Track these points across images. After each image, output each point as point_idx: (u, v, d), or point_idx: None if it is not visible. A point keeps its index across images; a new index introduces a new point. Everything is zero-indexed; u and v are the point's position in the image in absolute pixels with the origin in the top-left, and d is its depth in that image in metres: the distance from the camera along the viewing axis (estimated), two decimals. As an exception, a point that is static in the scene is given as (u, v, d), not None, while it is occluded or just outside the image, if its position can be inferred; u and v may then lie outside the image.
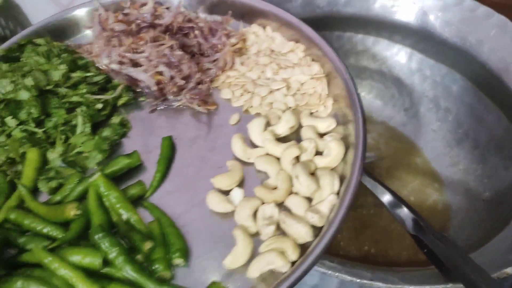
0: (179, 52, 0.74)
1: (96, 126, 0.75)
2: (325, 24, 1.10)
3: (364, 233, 1.00)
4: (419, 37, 1.08)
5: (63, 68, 0.73)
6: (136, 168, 0.70)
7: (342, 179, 0.64)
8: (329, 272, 0.72)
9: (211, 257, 0.61)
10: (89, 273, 0.56)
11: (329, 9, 1.09)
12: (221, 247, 0.61)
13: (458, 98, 1.07)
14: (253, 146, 0.71)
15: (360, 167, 0.62)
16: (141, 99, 0.79)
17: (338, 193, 0.62)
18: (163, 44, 0.74)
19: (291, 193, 0.64)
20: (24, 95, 0.69)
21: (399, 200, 0.78)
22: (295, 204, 0.62)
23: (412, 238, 0.75)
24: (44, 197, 0.68)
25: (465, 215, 1.02)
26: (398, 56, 1.15)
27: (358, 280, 0.72)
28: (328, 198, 0.60)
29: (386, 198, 0.77)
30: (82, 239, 0.62)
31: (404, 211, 0.76)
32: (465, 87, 1.05)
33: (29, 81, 0.69)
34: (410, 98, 1.16)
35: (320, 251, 0.56)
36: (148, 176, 0.69)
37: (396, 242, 0.99)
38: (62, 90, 0.73)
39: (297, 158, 0.67)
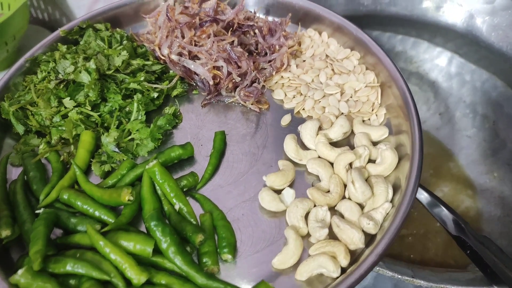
0: (239, 49, 0.74)
1: (148, 115, 0.75)
2: (366, 23, 1.09)
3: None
4: (463, 41, 1.06)
5: (124, 54, 0.74)
6: (187, 160, 0.70)
7: (394, 188, 0.64)
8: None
9: (259, 255, 0.61)
10: (138, 260, 0.56)
11: (373, 7, 1.08)
12: (270, 246, 0.61)
13: (498, 106, 1.04)
14: (305, 148, 0.71)
15: (417, 178, 0.61)
16: (194, 92, 0.80)
17: (391, 202, 0.62)
18: (224, 40, 0.74)
19: (343, 197, 0.64)
20: (85, 77, 0.70)
21: (437, 199, 0.76)
22: (348, 209, 0.61)
23: (453, 239, 0.74)
24: (94, 179, 0.68)
25: (498, 225, 0.99)
26: (438, 59, 1.13)
27: (399, 276, 0.71)
28: (383, 205, 0.60)
29: (424, 197, 0.76)
30: (130, 224, 0.62)
31: (444, 212, 0.75)
32: (506, 95, 1.02)
33: (92, 64, 0.70)
34: (446, 102, 1.14)
35: (374, 259, 0.55)
36: (198, 168, 0.70)
37: (430, 243, 0.98)
38: (121, 76, 0.74)
39: (350, 164, 0.66)
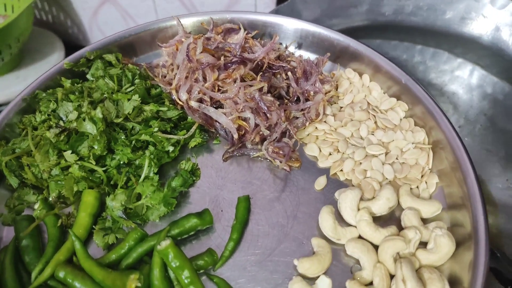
0: (269, 97, 0.64)
1: (161, 167, 0.66)
2: (385, 33, 1.06)
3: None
4: (486, 53, 1.02)
5: (136, 99, 0.63)
6: (204, 229, 0.60)
7: (450, 283, 0.54)
8: None
9: None
10: None
11: (394, 18, 1.05)
12: None
13: (520, 120, 0.96)
14: (343, 221, 0.61)
15: (484, 275, 0.51)
16: (215, 142, 0.70)
17: (448, 306, 0.52)
18: (252, 85, 0.64)
19: (389, 294, 0.54)
20: (89, 127, 0.60)
21: None
22: (397, 313, 0.51)
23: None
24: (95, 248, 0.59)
25: (521, 243, 0.91)
26: (459, 71, 1.09)
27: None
28: (441, 315, 0.50)
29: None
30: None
31: None
32: (530, 110, 0.94)
33: (98, 113, 0.60)
34: (466, 115, 1.08)
35: None
36: (216, 240, 0.60)
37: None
38: (131, 125, 0.64)
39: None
